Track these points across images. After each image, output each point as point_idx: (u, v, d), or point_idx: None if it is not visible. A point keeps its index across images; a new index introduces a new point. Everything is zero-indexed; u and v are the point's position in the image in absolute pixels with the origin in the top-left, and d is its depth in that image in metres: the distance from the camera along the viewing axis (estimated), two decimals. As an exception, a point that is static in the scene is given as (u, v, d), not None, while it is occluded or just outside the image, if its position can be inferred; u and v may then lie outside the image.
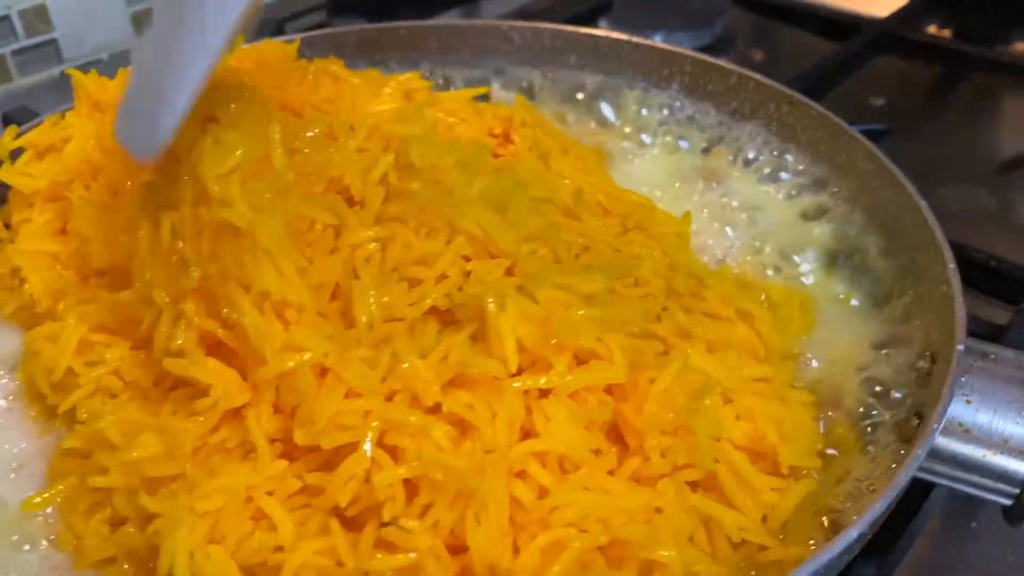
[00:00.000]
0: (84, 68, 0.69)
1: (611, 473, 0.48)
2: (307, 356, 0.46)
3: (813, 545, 0.48)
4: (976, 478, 0.51)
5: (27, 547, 0.50)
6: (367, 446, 0.45)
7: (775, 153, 0.75)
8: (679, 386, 0.48)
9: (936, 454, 0.50)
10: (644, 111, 0.82)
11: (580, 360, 0.49)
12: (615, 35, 0.84)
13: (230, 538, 0.46)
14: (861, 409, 0.56)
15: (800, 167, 0.73)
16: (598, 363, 0.48)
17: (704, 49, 0.99)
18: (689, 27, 1.14)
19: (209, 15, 0.46)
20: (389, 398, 0.47)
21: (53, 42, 1.06)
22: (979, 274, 0.74)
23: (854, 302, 0.64)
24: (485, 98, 0.82)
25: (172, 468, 0.48)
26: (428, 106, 0.64)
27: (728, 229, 0.69)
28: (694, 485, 0.49)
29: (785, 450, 0.49)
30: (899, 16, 1.11)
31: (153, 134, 0.48)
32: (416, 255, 0.50)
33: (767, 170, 0.74)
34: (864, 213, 0.68)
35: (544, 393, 0.48)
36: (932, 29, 1.14)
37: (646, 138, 0.80)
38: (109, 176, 0.60)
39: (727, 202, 0.72)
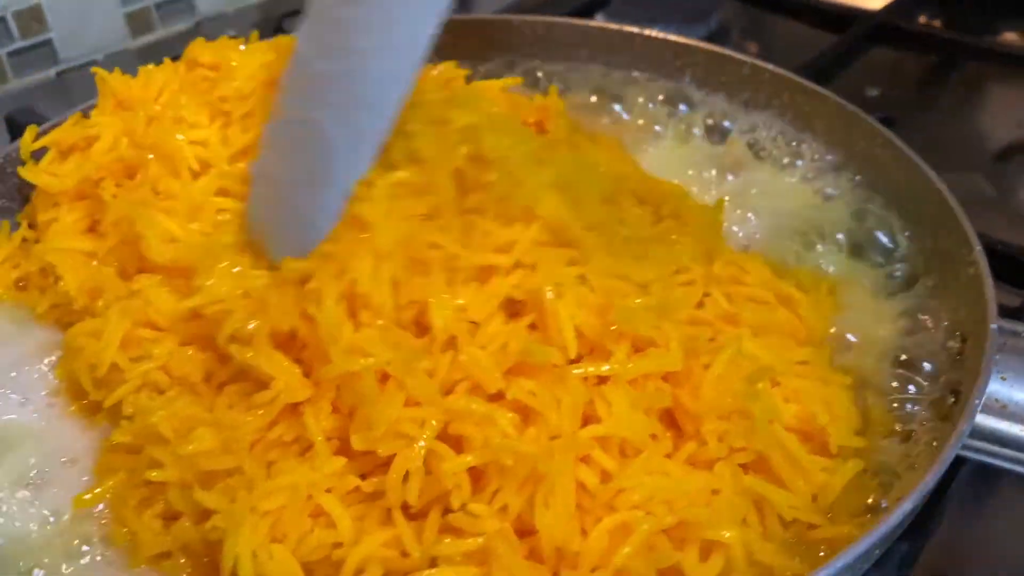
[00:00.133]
0: (80, 69, 0.68)
1: (668, 457, 0.48)
2: (370, 361, 0.46)
3: (860, 523, 0.49)
4: (1014, 452, 0.52)
5: (84, 546, 0.50)
6: (421, 443, 0.45)
7: (792, 143, 0.76)
8: (733, 371, 0.49)
9: (974, 431, 0.51)
10: (655, 103, 0.82)
11: (636, 347, 0.49)
12: (627, 28, 0.84)
13: (291, 536, 0.46)
14: (895, 385, 0.57)
15: (817, 155, 0.74)
16: (656, 351, 0.49)
17: (700, 42, 1.00)
18: (685, 21, 1.15)
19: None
20: (450, 389, 0.47)
21: (48, 43, 1.04)
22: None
23: (878, 285, 0.65)
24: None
25: (229, 462, 0.48)
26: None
27: (751, 215, 0.70)
28: (744, 467, 0.49)
29: (835, 431, 0.50)
30: (892, 8, 1.13)
31: (309, 240, 0.51)
32: (497, 243, 0.50)
33: (785, 159, 0.75)
34: (884, 199, 0.69)
35: (602, 380, 0.48)
36: (923, 20, 1.16)
37: (659, 128, 0.81)
38: (148, 176, 0.60)
39: (746, 190, 0.73)
